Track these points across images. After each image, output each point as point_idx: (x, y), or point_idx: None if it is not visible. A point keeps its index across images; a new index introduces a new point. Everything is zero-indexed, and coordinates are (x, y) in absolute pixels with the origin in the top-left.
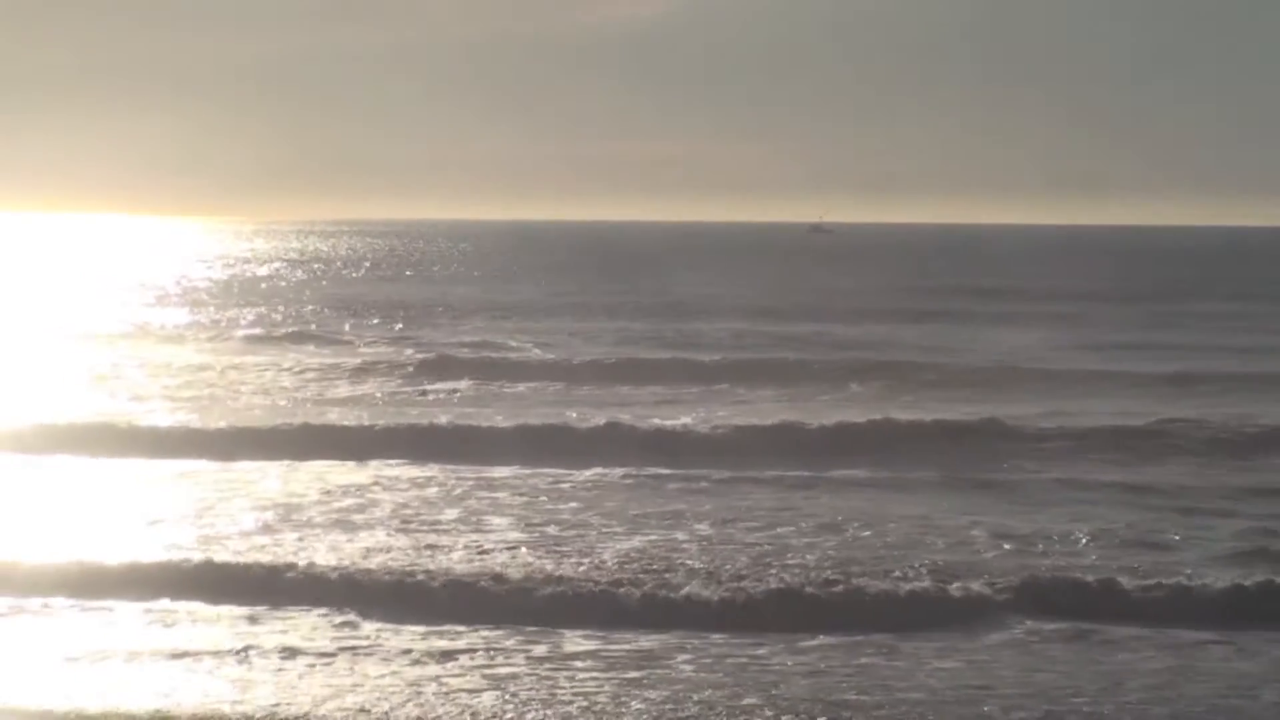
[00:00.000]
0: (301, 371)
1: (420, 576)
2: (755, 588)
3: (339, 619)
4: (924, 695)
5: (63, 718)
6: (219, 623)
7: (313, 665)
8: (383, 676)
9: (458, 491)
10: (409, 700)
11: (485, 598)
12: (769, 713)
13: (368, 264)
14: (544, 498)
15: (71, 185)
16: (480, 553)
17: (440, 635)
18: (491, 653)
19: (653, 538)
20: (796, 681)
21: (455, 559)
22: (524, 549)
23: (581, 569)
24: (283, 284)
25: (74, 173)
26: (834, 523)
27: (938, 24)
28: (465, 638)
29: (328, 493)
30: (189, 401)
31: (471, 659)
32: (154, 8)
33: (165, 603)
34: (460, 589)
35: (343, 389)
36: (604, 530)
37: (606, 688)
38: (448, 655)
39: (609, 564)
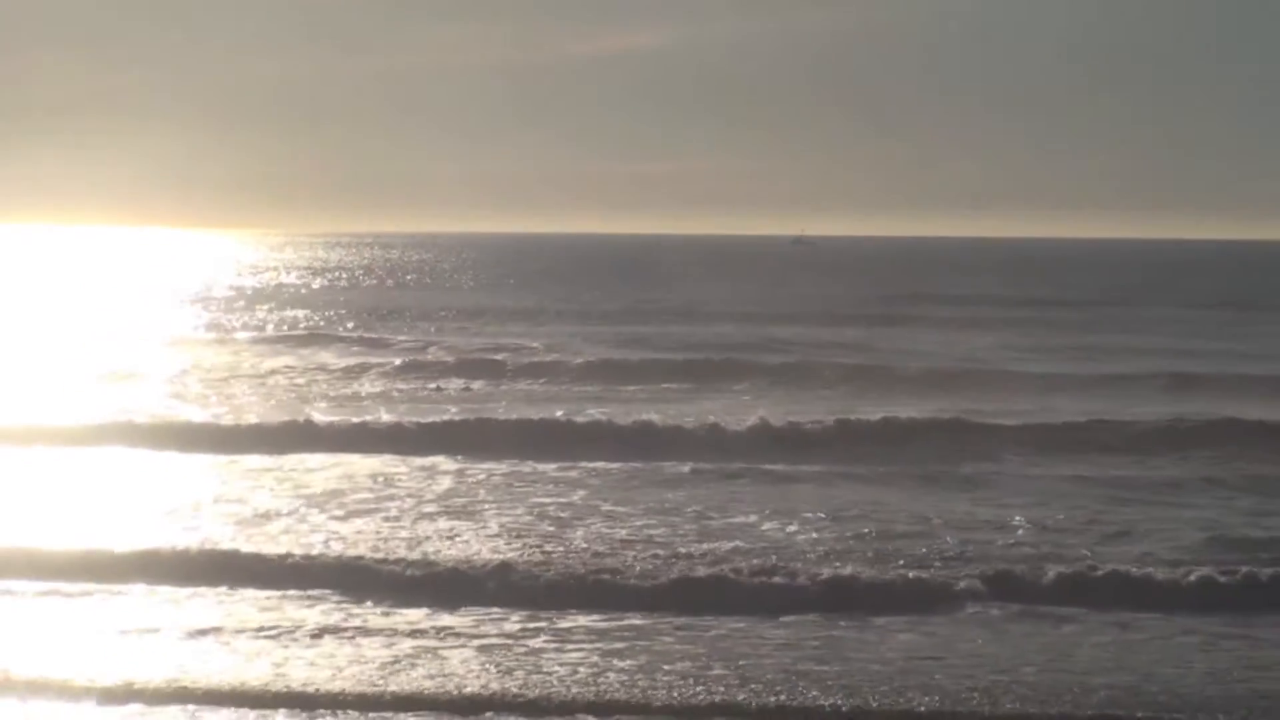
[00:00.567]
0: (357, 372)
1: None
2: (739, 572)
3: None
4: (880, 666)
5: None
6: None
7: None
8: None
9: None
10: (404, 671)
11: (492, 583)
12: (734, 681)
13: (393, 272)
14: (552, 486)
15: (111, 200)
16: (490, 538)
17: (451, 615)
18: (488, 630)
19: (652, 525)
20: (765, 654)
21: (463, 548)
22: (533, 536)
23: (585, 555)
24: (321, 290)
25: (114, 189)
26: (814, 512)
27: (902, 57)
28: (469, 616)
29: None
30: (252, 400)
31: (466, 635)
32: (198, 37)
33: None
34: (470, 575)
35: (398, 386)
36: (611, 517)
37: (592, 658)
38: (451, 632)
39: (615, 549)
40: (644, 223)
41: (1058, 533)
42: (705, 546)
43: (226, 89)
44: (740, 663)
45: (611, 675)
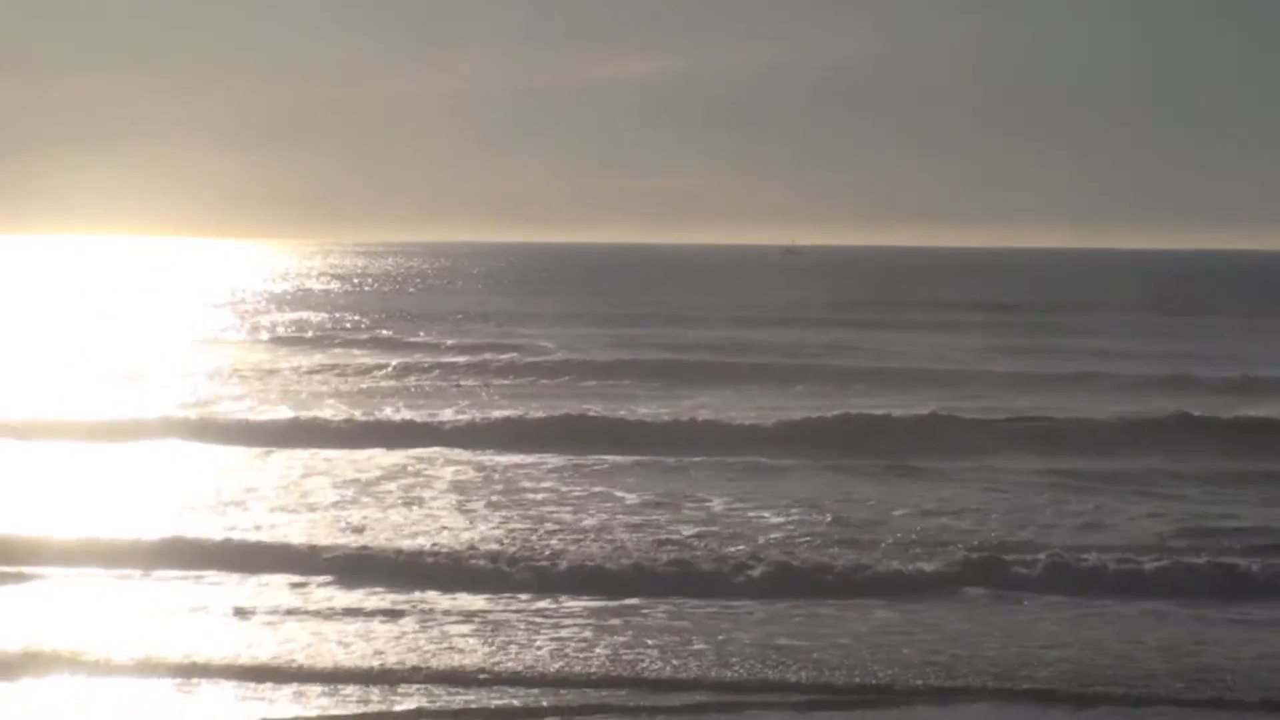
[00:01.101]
0: (398, 371)
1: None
2: (720, 560)
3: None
4: (850, 640)
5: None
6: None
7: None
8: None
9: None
10: (409, 649)
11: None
12: (711, 657)
13: (417, 279)
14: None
15: (154, 213)
16: (498, 527)
17: (472, 598)
18: (490, 611)
19: (654, 514)
20: (745, 630)
21: (475, 535)
22: (548, 524)
23: (598, 545)
24: (363, 295)
25: (157, 203)
26: (797, 504)
27: (883, 81)
28: (478, 601)
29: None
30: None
31: (469, 617)
32: (248, 66)
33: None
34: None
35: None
36: (619, 507)
37: (585, 634)
38: (470, 615)
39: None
40: (648, 233)
41: (1028, 522)
42: (699, 530)
43: (271, 112)
44: (719, 637)
45: (599, 649)
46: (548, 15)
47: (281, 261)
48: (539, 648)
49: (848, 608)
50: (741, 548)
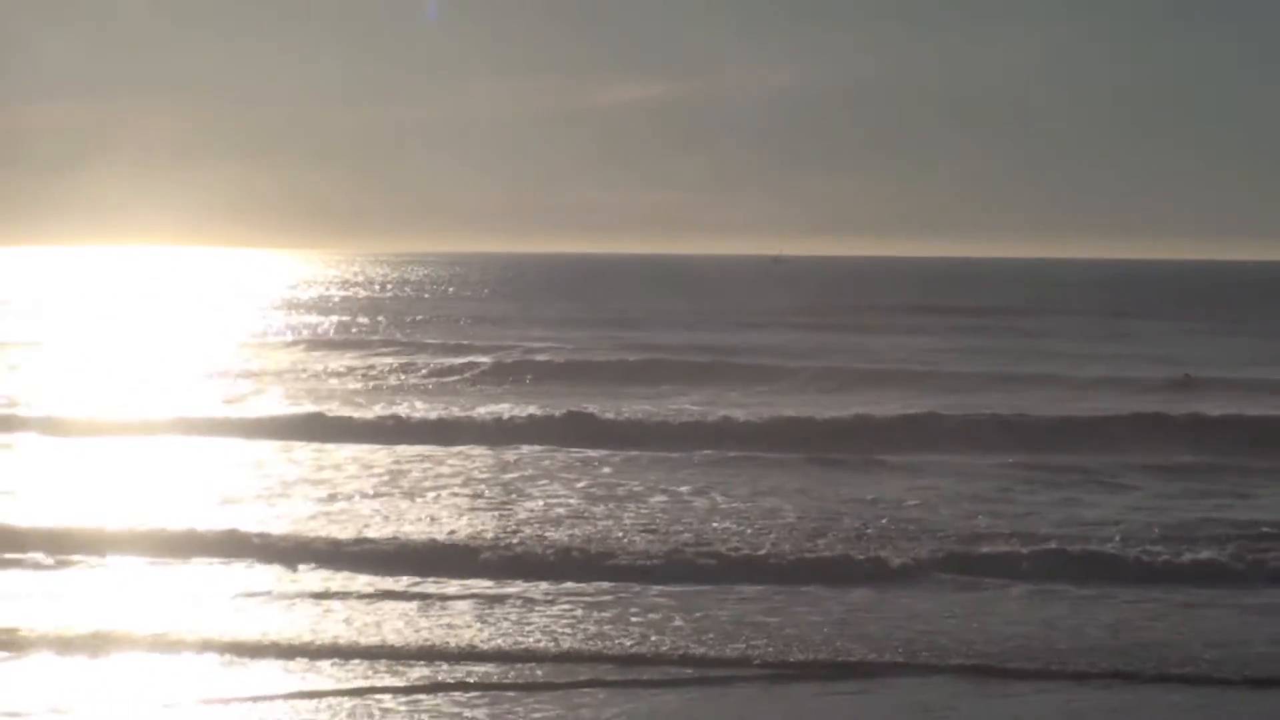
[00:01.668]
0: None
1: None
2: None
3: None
4: (821, 619)
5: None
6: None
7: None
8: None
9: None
10: (412, 627)
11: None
12: (688, 631)
13: (442, 286)
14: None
15: (195, 224)
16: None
17: (487, 584)
18: (493, 594)
19: (654, 506)
20: (724, 610)
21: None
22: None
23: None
24: (401, 300)
25: (194, 215)
26: (777, 496)
27: (861, 105)
28: (500, 588)
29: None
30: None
31: (471, 601)
32: (288, 89)
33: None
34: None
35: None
36: (631, 498)
37: (576, 612)
38: (489, 600)
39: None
40: (647, 244)
41: (996, 512)
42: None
43: (306, 131)
44: (697, 614)
45: (587, 625)
46: (557, 48)
47: (316, 270)
48: (535, 626)
49: (822, 592)
50: (735, 540)
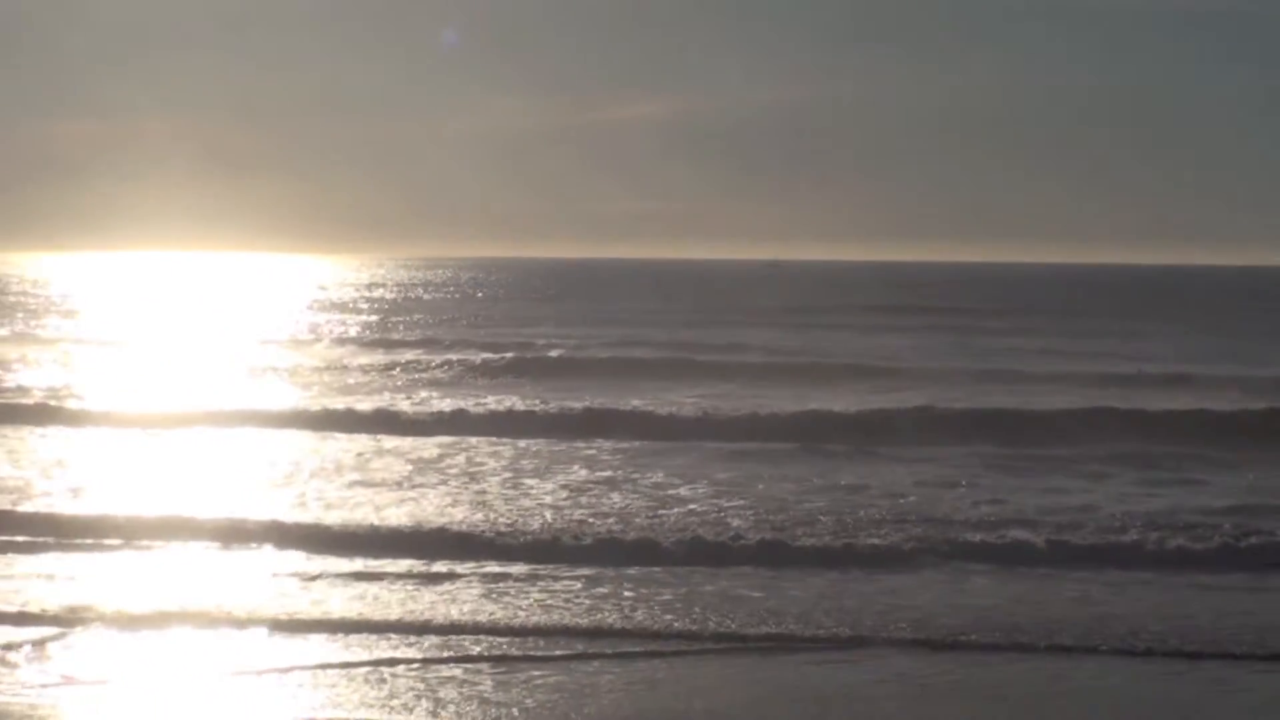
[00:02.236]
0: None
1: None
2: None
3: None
4: (801, 593)
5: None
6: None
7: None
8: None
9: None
10: (410, 606)
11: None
12: (678, 606)
13: (461, 289)
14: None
15: (236, 231)
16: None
17: (496, 566)
18: (496, 577)
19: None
20: (710, 585)
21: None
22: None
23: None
24: (441, 301)
25: (238, 222)
26: (771, 484)
27: (856, 116)
28: (511, 568)
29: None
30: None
31: (469, 582)
32: (328, 106)
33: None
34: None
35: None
36: (635, 490)
37: (574, 587)
38: (495, 579)
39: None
40: (652, 249)
41: (974, 500)
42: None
43: (337, 144)
44: (684, 590)
45: (581, 599)
46: (569, 68)
47: (358, 274)
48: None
49: (805, 574)
50: (737, 523)
